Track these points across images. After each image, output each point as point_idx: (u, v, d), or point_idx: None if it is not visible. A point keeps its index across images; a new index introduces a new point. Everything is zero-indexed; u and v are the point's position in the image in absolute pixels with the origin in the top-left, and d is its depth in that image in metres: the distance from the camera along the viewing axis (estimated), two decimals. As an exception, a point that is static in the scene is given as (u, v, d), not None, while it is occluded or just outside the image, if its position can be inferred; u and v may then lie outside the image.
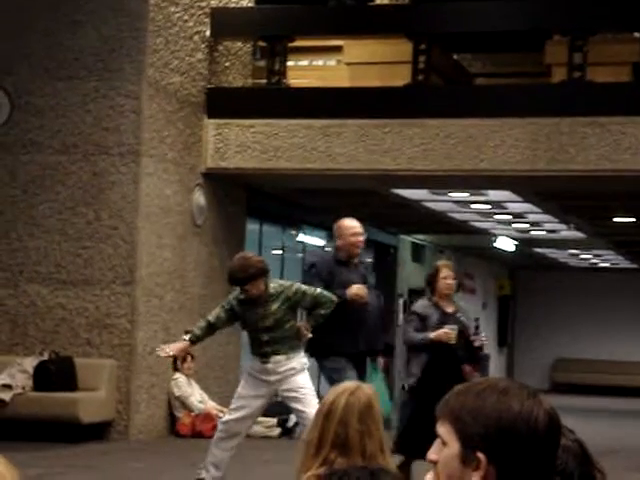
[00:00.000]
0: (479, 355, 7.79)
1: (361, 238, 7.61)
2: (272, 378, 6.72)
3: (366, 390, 3.15)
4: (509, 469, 1.86)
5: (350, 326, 7.30)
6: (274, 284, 6.81)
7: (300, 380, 6.72)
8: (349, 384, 3.20)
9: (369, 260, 7.74)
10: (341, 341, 7.32)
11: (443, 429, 1.93)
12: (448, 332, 7.20)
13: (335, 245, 7.73)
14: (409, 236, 17.82)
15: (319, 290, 6.94)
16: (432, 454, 1.96)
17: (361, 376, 7.25)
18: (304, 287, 6.91)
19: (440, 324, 7.30)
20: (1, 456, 1.22)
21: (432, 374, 7.20)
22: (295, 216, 13.94)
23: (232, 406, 6.89)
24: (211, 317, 6.88)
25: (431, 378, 7.16)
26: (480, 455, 1.86)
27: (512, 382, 1.94)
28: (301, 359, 6.81)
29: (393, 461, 3.04)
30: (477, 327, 7.81)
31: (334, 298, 6.97)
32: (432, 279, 7.61)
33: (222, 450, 6.80)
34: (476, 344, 7.47)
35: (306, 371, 6.81)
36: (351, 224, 7.69)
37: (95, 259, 9.94)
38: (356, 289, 7.25)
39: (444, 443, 1.93)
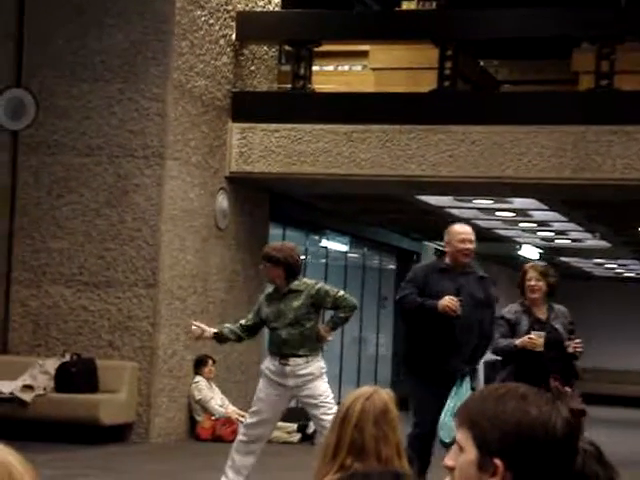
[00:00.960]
0: (574, 366, 6.99)
1: (470, 246, 6.91)
2: (290, 383, 6.69)
3: (382, 395, 3.12)
4: (526, 475, 1.83)
5: (440, 342, 6.69)
6: (298, 282, 6.79)
7: (319, 387, 6.68)
8: (366, 388, 3.17)
9: (481, 274, 7.12)
10: (428, 358, 6.76)
11: (460, 434, 1.90)
12: (533, 339, 6.59)
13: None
14: (433, 242, 17.75)
15: (342, 292, 6.92)
16: (449, 460, 1.94)
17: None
18: (327, 287, 6.90)
19: (529, 331, 6.74)
20: (19, 455, 1.20)
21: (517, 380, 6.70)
22: (318, 221, 13.93)
23: (251, 409, 6.88)
24: (243, 320, 6.93)
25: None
26: (497, 461, 1.83)
27: (530, 388, 1.91)
28: (319, 363, 6.77)
29: (408, 466, 3.00)
30: (572, 332, 6.99)
31: (355, 303, 6.94)
32: (520, 282, 7.00)
33: (242, 455, 6.78)
34: (569, 350, 6.78)
35: (324, 376, 6.77)
36: (460, 230, 7.06)
37: (118, 261, 9.96)
38: (447, 300, 6.61)
39: (461, 449, 1.90)
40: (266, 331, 11.93)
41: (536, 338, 6.60)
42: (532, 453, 1.83)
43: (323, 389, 6.70)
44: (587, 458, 2.19)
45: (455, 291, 6.71)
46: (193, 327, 6.99)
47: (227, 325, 7.12)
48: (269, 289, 6.90)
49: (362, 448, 3.05)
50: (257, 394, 6.84)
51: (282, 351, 6.69)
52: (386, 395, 3.15)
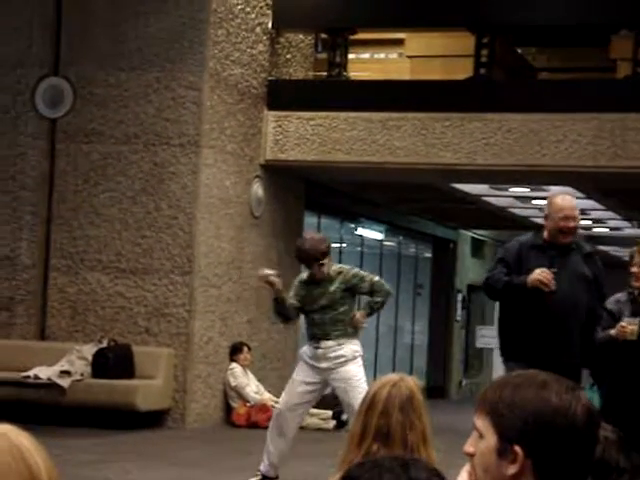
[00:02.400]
0: None
1: (573, 224, 5.88)
2: (323, 365, 6.74)
3: (409, 382, 3.14)
4: (546, 463, 1.83)
5: (533, 325, 5.83)
6: (335, 267, 6.88)
7: (350, 370, 6.72)
8: (392, 376, 3.19)
9: (588, 250, 6.18)
10: (521, 342, 5.87)
11: (480, 422, 1.91)
12: (624, 326, 5.64)
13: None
14: (469, 231, 17.69)
15: (377, 278, 6.96)
16: (469, 446, 1.95)
17: None
18: (363, 273, 6.95)
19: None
20: (30, 436, 1.23)
21: (616, 381, 5.75)
22: (353, 209, 13.93)
23: (285, 391, 6.96)
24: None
25: (616, 386, 5.76)
26: (517, 448, 1.84)
27: (550, 376, 1.91)
28: (353, 346, 6.80)
29: (435, 453, 3.02)
30: None
31: (390, 289, 6.95)
32: (628, 267, 5.94)
33: (276, 439, 6.83)
34: None
35: (358, 360, 6.80)
36: (563, 204, 5.93)
37: (154, 248, 10.04)
38: (537, 273, 5.68)
39: (481, 435, 1.91)
40: (302, 319, 11.99)
41: (626, 325, 5.65)
42: (552, 441, 1.83)
43: (354, 372, 6.72)
44: (608, 446, 2.20)
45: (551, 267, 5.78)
46: (266, 272, 6.97)
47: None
48: (303, 274, 6.98)
49: (388, 435, 3.08)
50: (293, 376, 6.95)
51: (315, 333, 6.78)
52: (412, 382, 3.17)
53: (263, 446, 7.40)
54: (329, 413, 10.55)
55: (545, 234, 5.95)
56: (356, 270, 6.96)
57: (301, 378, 6.82)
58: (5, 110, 10.20)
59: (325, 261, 6.75)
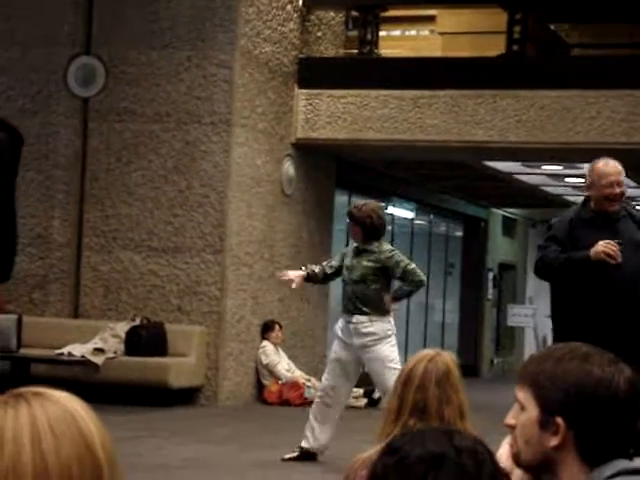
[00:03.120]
0: None
1: (619, 190, 5.42)
2: (355, 341, 6.74)
3: (445, 357, 3.15)
4: (588, 434, 1.84)
5: (595, 302, 5.36)
6: (378, 244, 6.87)
7: (382, 350, 6.72)
8: (428, 351, 3.20)
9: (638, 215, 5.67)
10: (580, 323, 5.37)
11: (522, 394, 1.92)
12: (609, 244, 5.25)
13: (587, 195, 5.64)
14: (500, 209, 17.61)
15: (413, 266, 6.90)
16: (510, 419, 1.95)
17: None
18: (400, 257, 6.90)
19: None
20: (84, 404, 1.23)
21: None
22: (384, 188, 13.90)
23: (326, 371, 7.02)
24: (328, 267, 7.06)
25: None
26: (559, 420, 1.85)
27: (593, 348, 1.91)
28: (385, 325, 6.79)
29: (472, 427, 3.02)
30: None
31: (423, 279, 6.86)
32: None
33: (319, 417, 6.86)
34: None
35: (391, 339, 6.80)
36: (606, 169, 5.47)
37: (186, 227, 10.08)
38: (602, 245, 5.24)
39: (523, 408, 1.92)
40: (332, 297, 12.00)
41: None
42: (594, 413, 1.84)
43: (387, 353, 6.72)
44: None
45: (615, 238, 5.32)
46: (282, 277, 7.11)
47: (313, 267, 7.16)
48: (354, 244, 7.06)
49: (424, 409, 3.08)
50: (330, 356, 7.00)
51: (348, 307, 6.83)
52: (449, 357, 3.17)
53: (295, 424, 7.44)
54: (360, 391, 10.57)
55: (592, 205, 5.50)
56: (395, 253, 6.89)
57: (338, 356, 6.84)
58: (38, 89, 10.26)
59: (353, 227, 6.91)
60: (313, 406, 7.01)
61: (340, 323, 6.92)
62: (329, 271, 7.01)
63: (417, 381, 3.12)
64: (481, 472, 1.48)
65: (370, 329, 6.74)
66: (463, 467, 1.47)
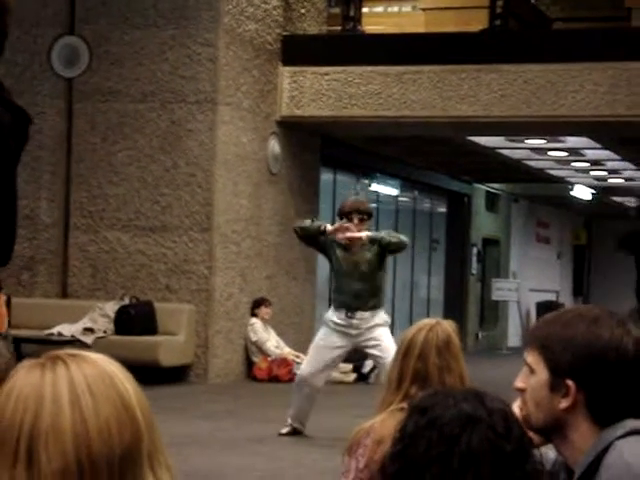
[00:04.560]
0: None
1: None
2: (354, 332, 6.75)
3: (445, 326, 3.18)
4: (598, 396, 1.87)
5: None
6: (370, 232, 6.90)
7: (381, 331, 6.74)
8: (428, 320, 3.23)
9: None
10: None
11: (531, 357, 1.95)
12: None
13: None
14: (483, 185, 17.67)
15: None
16: (519, 382, 1.98)
17: None
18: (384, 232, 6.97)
19: None
20: (120, 365, 1.24)
21: None
22: (369, 165, 13.93)
23: (309, 357, 6.94)
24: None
25: None
26: (569, 382, 1.88)
27: (601, 310, 1.95)
28: (383, 315, 6.84)
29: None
30: None
31: (405, 241, 6.87)
32: None
33: (300, 400, 6.89)
34: None
35: (387, 327, 6.83)
36: None
37: (173, 206, 10.09)
38: None
39: (532, 371, 1.95)
40: (320, 274, 12.03)
41: None
42: (604, 374, 1.87)
43: (384, 334, 6.74)
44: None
45: None
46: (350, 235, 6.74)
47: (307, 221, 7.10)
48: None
49: (426, 378, 3.12)
50: (317, 342, 6.87)
51: (353, 304, 6.70)
52: (448, 326, 3.21)
53: (285, 399, 7.49)
54: (350, 366, 10.64)
55: None
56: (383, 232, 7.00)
57: (327, 343, 6.77)
58: (22, 70, 10.21)
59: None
60: (293, 388, 7.02)
61: (337, 318, 6.75)
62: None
63: (417, 350, 3.15)
64: (511, 433, 1.51)
65: (372, 322, 6.74)
66: (494, 428, 1.50)
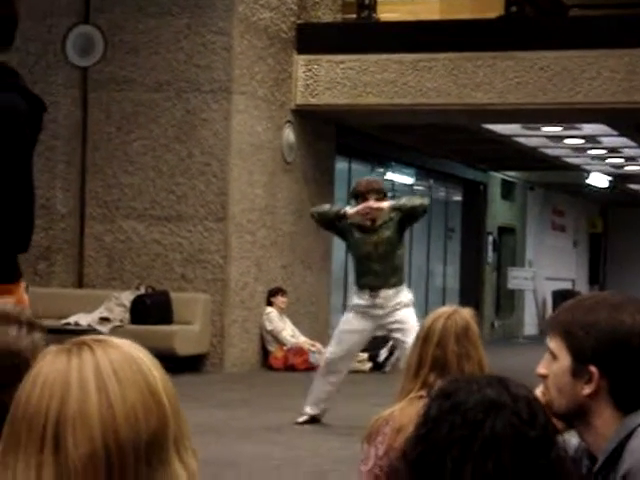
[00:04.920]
0: None
1: None
2: (380, 312, 6.74)
3: (463, 313, 3.17)
4: (621, 382, 1.86)
5: None
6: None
7: (405, 313, 6.73)
8: (446, 308, 3.22)
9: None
10: None
11: (554, 343, 1.94)
12: None
13: None
14: (499, 173, 17.62)
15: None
16: (542, 368, 1.97)
17: None
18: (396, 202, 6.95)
19: None
20: (156, 361, 1.24)
21: None
22: (384, 154, 13.90)
23: (335, 341, 6.94)
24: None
25: None
26: (592, 368, 1.87)
27: (624, 296, 1.94)
28: (408, 293, 6.84)
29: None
30: None
31: (424, 201, 6.88)
32: None
33: (323, 385, 6.90)
34: None
35: (412, 307, 6.82)
36: None
37: (188, 195, 10.09)
38: None
39: (554, 357, 1.94)
40: (335, 262, 12.02)
41: None
42: (627, 360, 1.86)
43: (409, 315, 6.73)
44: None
45: None
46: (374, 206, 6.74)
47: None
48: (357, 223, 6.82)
49: (444, 365, 3.11)
50: (342, 327, 6.88)
51: (374, 284, 6.71)
52: (467, 313, 3.20)
53: (301, 388, 7.50)
54: (365, 355, 10.63)
55: None
56: (392, 203, 6.92)
57: (353, 327, 6.78)
58: (36, 60, 10.22)
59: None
60: (317, 373, 7.04)
61: (360, 300, 6.78)
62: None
63: (436, 338, 3.15)
64: (535, 420, 1.51)
65: (397, 299, 6.73)
66: (519, 414, 1.50)
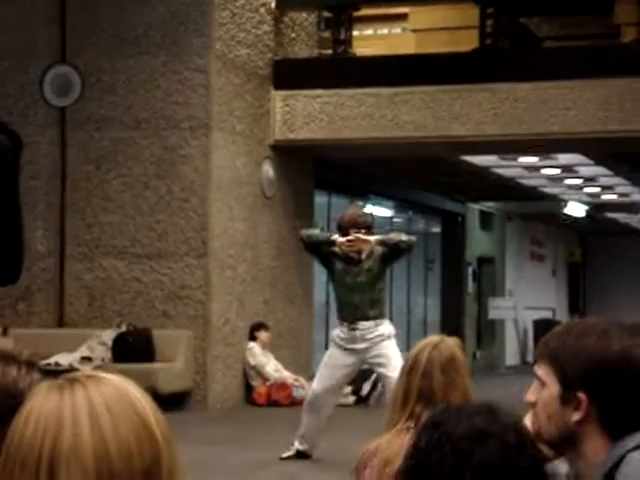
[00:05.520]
0: None
1: None
2: (360, 346, 6.72)
3: (449, 343, 3.18)
4: (610, 408, 1.87)
5: None
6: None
7: (387, 345, 6.73)
8: (432, 338, 3.23)
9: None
10: None
11: (542, 370, 1.95)
12: None
13: None
14: (477, 204, 17.71)
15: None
16: (530, 395, 1.98)
17: None
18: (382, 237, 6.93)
19: None
20: (137, 386, 1.24)
21: None
22: (363, 187, 13.95)
23: (319, 375, 6.92)
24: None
25: None
26: (581, 395, 1.87)
27: (611, 322, 1.95)
28: (388, 326, 6.82)
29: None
30: None
31: (410, 238, 6.86)
32: None
33: (311, 417, 6.87)
34: None
35: (393, 339, 6.82)
36: None
37: (169, 232, 10.08)
38: None
39: (543, 384, 1.94)
40: (316, 296, 12.01)
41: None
42: (615, 386, 1.87)
43: (391, 348, 6.72)
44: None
45: None
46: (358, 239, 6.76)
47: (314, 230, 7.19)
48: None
49: (431, 396, 3.11)
50: (326, 360, 6.88)
51: (353, 315, 6.71)
52: (453, 343, 3.21)
53: (285, 424, 7.47)
54: (349, 389, 10.60)
55: None
56: (377, 238, 6.90)
57: (336, 362, 6.77)
58: (14, 101, 10.22)
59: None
60: (303, 408, 7.02)
61: (341, 332, 6.79)
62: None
63: (422, 368, 3.15)
64: (524, 448, 1.51)
65: (376, 332, 6.72)
66: (507, 443, 1.50)
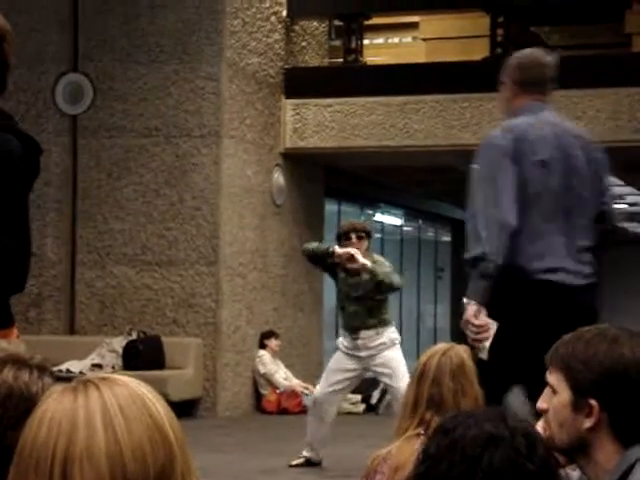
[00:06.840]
0: None
1: None
2: (363, 354, 6.75)
3: (458, 350, 3.19)
4: (621, 415, 1.87)
5: None
6: (376, 257, 6.92)
7: (390, 354, 6.74)
8: (442, 345, 3.24)
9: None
10: None
11: (553, 378, 1.95)
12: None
13: None
14: (488, 213, 17.66)
15: (392, 270, 6.86)
16: (542, 403, 1.98)
17: None
18: (390, 279, 6.79)
19: None
20: (149, 387, 1.24)
21: None
22: (373, 195, 13.96)
23: (322, 380, 6.96)
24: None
25: None
26: (592, 402, 1.88)
27: (621, 330, 1.95)
28: (392, 333, 6.82)
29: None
30: None
31: (397, 284, 6.80)
32: None
33: (316, 425, 6.88)
34: None
35: (397, 346, 6.82)
36: None
37: (179, 240, 10.10)
38: None
39: (554, 391, 1.95)
40: (326, 303, 12.02)
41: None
42: (626, 393, 1.87)
43: (394, 357, 6.72)
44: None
45: None
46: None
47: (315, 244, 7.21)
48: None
49: (440, 402, 3.12)
50: (330, 366, 6.93)
51: (353, 325, 6.76)
52: (462, 350, 3.22)
53: (295, 431, 7.47)
54: (358, 397, 10.60)
55: None
56: (386, 275, 6.77)
57: (339, 367, 6.81)
58: (26, 108, 10.26)
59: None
60: (308, 414, 7.03)
61: (344, 340, 6.84)
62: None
63: (431, 375, 3.16)
64: (534, 453, 1.51)
65: (379, 340, 6.74)
66: (517, 448, 1.50)
